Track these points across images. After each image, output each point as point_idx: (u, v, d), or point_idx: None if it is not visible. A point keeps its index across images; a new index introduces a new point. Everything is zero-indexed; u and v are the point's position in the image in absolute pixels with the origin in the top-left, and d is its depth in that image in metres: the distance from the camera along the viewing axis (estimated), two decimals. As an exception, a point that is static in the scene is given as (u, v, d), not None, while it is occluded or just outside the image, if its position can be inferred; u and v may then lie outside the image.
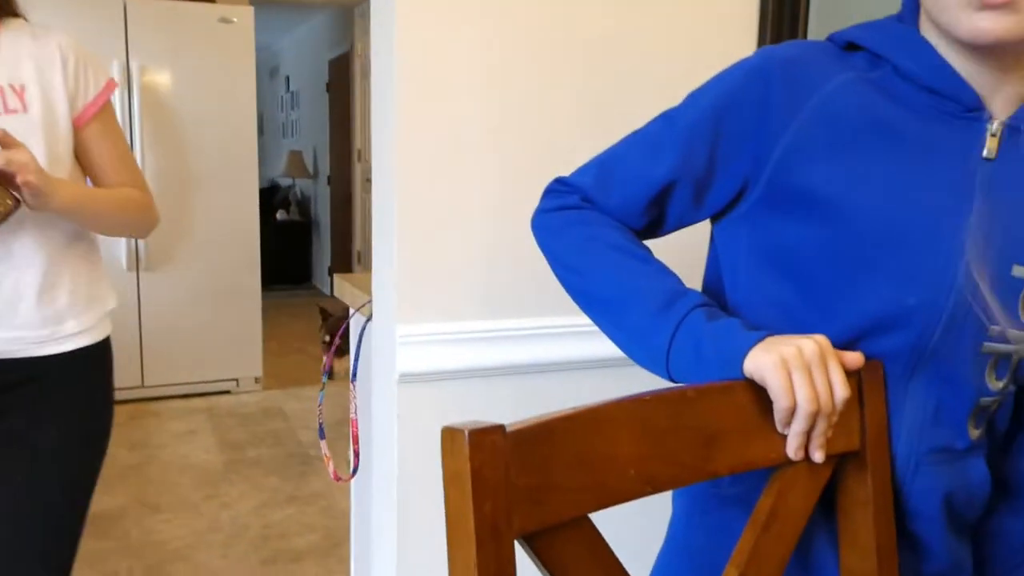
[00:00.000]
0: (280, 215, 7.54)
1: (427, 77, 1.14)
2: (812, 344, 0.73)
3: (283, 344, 5.29)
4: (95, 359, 1.37)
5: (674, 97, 0.88)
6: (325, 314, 3.38)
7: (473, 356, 1.19)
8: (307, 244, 7.70)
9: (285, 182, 7.98)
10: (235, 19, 4.00)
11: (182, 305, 4.07)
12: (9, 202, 1.15)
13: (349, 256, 6.83)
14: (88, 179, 1.35)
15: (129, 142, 3.84)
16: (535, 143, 1.21)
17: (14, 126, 1.16)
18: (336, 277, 1.73)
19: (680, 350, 0.77)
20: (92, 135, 1.30)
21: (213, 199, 4.07)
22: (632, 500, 0.69)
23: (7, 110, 1.19)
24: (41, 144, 1.20)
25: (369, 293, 1.53)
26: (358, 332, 1.50)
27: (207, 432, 3.66)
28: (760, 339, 0.74)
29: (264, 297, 4.33)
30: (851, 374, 0.76)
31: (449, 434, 0.58)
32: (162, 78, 3.91)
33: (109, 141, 1.32)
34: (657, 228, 0.88)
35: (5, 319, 1.22)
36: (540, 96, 1.20)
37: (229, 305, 4.17)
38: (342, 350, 2.74)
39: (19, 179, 1.10)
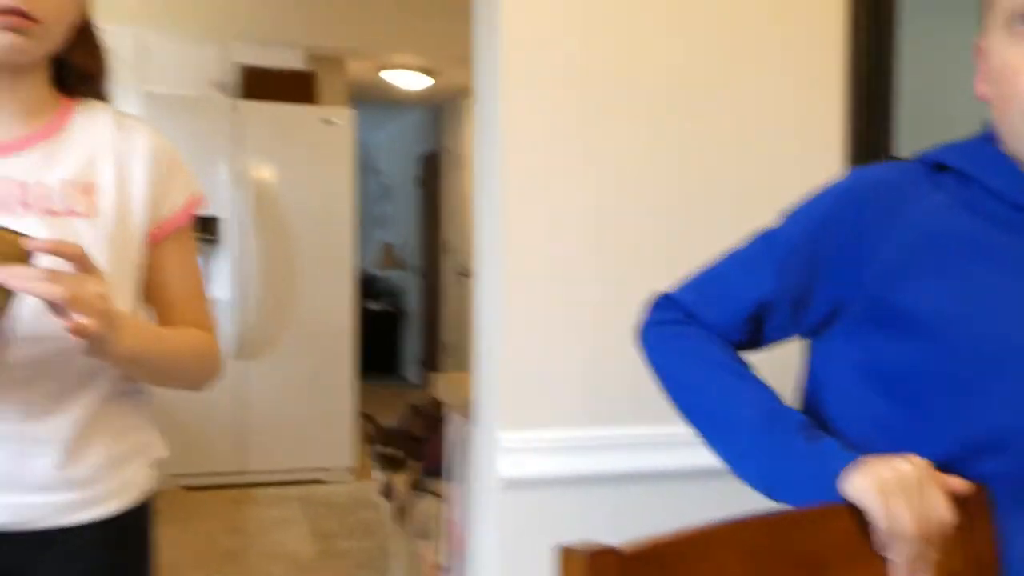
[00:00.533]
0: (372, 305, 7.77)
1: (529, 183, 1.20)
2: (910, 466, 0.73)
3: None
4: (133, 527, 1.02)
5: (771, 206, 0.92)
6: (416, 410, 3.34)
7: (575, 464, 1.21)
8: (397, 334, 7.88)
9: (377, 273, 8.24)
10: (337, 120, 4.25)
11: (281, 393, 4.22)
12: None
13: (437, 347, 6.95)
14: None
15: (239, 236, 4.09)
16: (637, 252, 1.25)
17: (78, 233, 0.92)
18: (435, 377, 1.79)
19: (780, 470, 0.79)
20: (166, 255, 1.04)
21: (312, 289, 4.25)
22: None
23: (71, 212, 0.93)
24: (107, 261, 0.93)
25: (467, 392, 1.58)
26: (458, 434, 1.55)
27: (301, 521, 3.73)
28: (858, 461, 0.75)
29: (356, 385, 4.45)
30: (957, 499, 0.76)
31: (566, 554, 0.61)
32: (268, 175, 4.16)
33: (185, 266, 1.07)
34: (756, 343, 0.91)
35: (15, 479, 0.91)
36: (644, 205, 1.25)
37: (324, 394, 4.30)
38: (395, 461, 2.80)
39: (75, 320, 0.79)
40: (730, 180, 1.29)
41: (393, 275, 8.16)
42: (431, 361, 7.08)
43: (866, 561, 0.75)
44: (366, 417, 3.17)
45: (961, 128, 1.39)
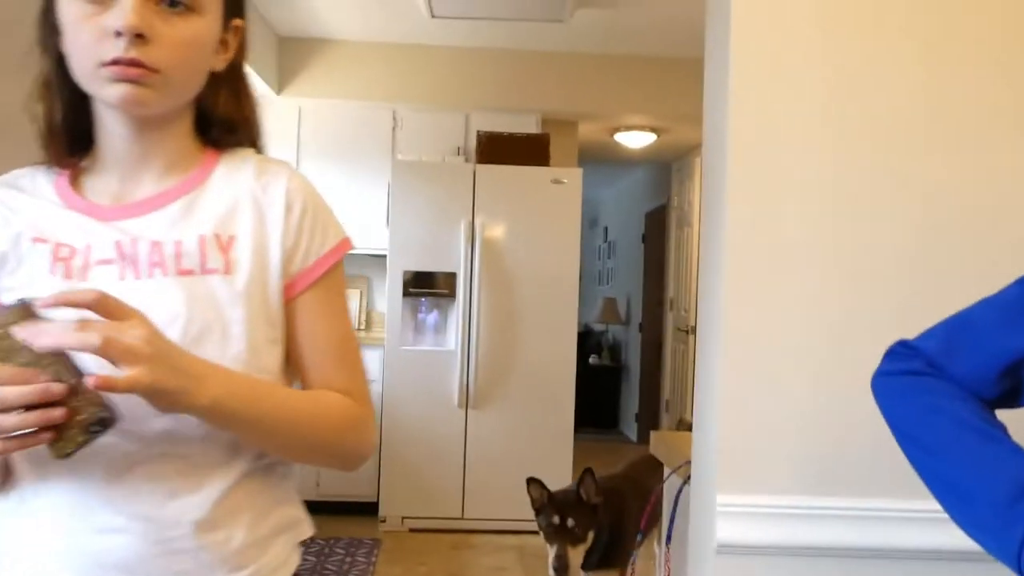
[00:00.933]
0: (592, 359, 7.84)
1: (755, 240, 1.19)
2: None
3: (590, 487, 5.38)
4: None
5: (1013, 259, 0.84)
6: (590, 474, 2.68)
7: (795, 533, 1.16)
8: (616, 389, 7.88)
9: (598, 327, 8.32)
10: (565, 180, 4.40)
11: (503, 442, 4.36)
12: (94, 409, 0.73)
13: (657, 403, 6.86)
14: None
15: (469, 290, 4.33)
16: (860, 306, 1.20)
17: (213, 292, 0.86)
18: (653, 435, 1.79)
19: None
20: (306, 309, 0.92)
21: (536, 342, 4.38)
22: None
23: (207, 270, 0.86)
24: (242, 321, 0.85)
25: (685, 453, 1.56)
26: (674, 494, 1.53)
27: (515, 569, 3.80)
28: None
29: (574, 439, 4.50)
30: None
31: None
32: (499, 232, 4.37)
33: (326, 320, 0.93)
34: (1013, 399, 0.83)
35: (151, 564, 0.82)
36: (867, 257, 1.20)
37: (544, 445, 4.39)
38: (568, 532, 2.47)
39: (124, 376, 0.71)
40: (977, 232, 1.20)
41: (615, 330, 8.20)
42: (649, 417, 7.00)
43: None
44: (531, 481, 2.69)
45: None
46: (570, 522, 2.52)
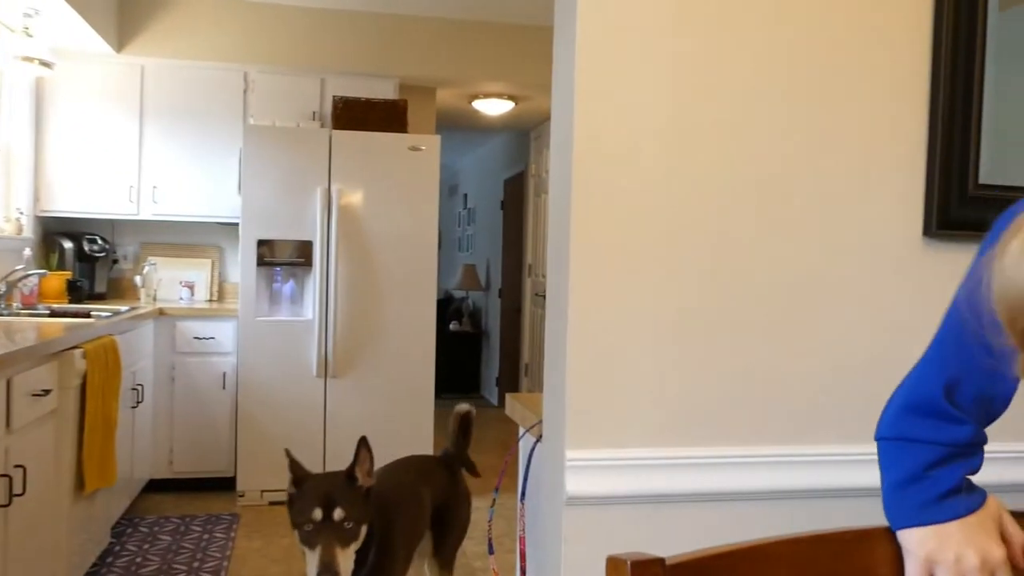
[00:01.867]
0: (453, 326, 7.90)
1: (600, 206, 1.25)
2: (976, 560, 0.74)
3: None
4: None
5: (856, 217, 0.93)
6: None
7: (641, 483, 1.24)
8: (477, 354, 7.98)
9: (459, 294, 8.38)
10: (423, 147, 4.39)
11: (361, 410, 4.35)
12: None
13: (517, 368, 7.01)
14: None
15: (327, 259, 4.26)
16: (704, 268, 1.28)
17: None
18: (508, 397, 1.85)
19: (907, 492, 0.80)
20: None
21: (395, 310, 4.38)
22: (789, 638, 0.72)
23: None
24: None
25: (539, 413, 1.62)
26: (528, 452, 1.59)
27: (379, 535, 3.82)
28: (957, 517, 0.76)
29: (435, 405, 4.54)
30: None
31: (613, 563, 0.65)
32: (356, 199, 4.32)
33: None
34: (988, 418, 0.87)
35: None
36: (712, 219, 1.28)
37: (405, 412, 4.41)
38: (343, 530, 1.82)
39: None
40: (813, 199, 1.31)
41: (475, 296, 8.28)
42: (509, 382, 7.15)
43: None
44: (289, 456, 2.11)
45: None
46: (338, 513, 1.88)
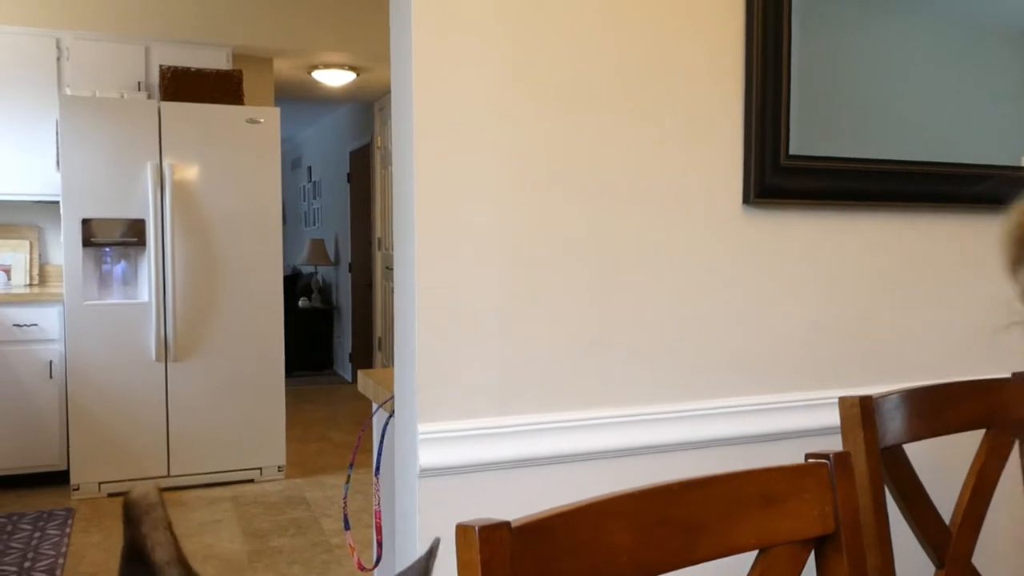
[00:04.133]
0: (302, 302, 7.72)
1: (441, 174, 1.26)
2: None
3: (305, 432, 5.38)
4: None
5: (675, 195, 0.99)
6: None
7: (490, 451, 1.28)
8: (329, 330, 7.85)
9: (307, 270, 8.18)
10: (262, 119, 4.23)
11: (207, 394, 4.19)
12: None
13: (370, 342, 6.96)
14: None
15: (162, 238, 4.05)
16: (548, 240, 1.32)
17: None
18: (360, 374, 1.84)
19: None
20: None
21: (239, 289, 4.23)
22: (628, 585, 0.78)
23: None
24: None
25: (391, 389, 1.63)
26: (381, 426, 1.60)
27: (232, 521, 3.72)
28: None
29: (286, 384, 4.45)
30: (820, 458, 0.86)
31: (462, 530, 0.68)
32: (192, 175, 4.12)
33: None
34: None
35: None
36: (557, 196, 1.32)
37: (254, 393, 4.29)
38: None
39: None
40: (642, 172, 1.37)
41: (325, 271, 8.12)
42: (363, 357, 7.09)
43: (744, 523, 0.83)
44: None
45: (848, 121, 1.50)
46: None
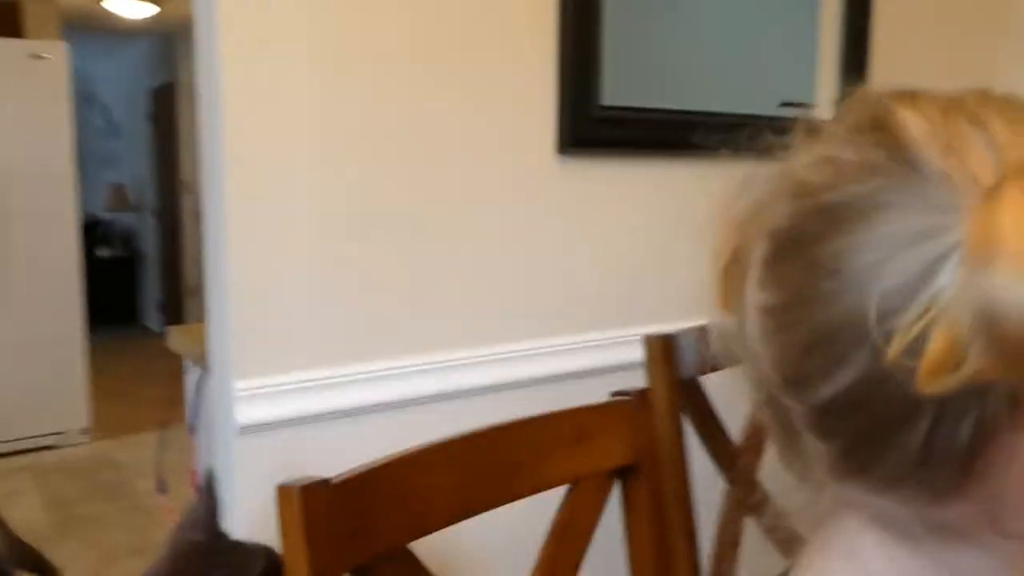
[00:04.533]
0: (102, 252, 7.18)
1: (254, 114, 1.21)
2: None
3: (112, 389, 5.06)
4: None
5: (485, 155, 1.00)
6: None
7: (308, 404, 1.27)
8: (132, 281, 7.37)
9: (106, 217, 7.60)
10: (48, 55, 3.85)
11: (-3, 356, 3.84)
12: None
13: (180, 291, 6.60)
14: None
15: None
16: (366, 187, 1.31)
17: None
18: (171, 331, 1.76)
19: None
20: None
21: (29, 242, 3.87)
22: (452, 525, 0.81)
23: None
24: None
25: (204, 345, 1.57)
26: (195, 383, 1.54)
27: (31, 492, 3.47)
28: None
29: (90, 341, 4.15)
30: (624, 395, 0.92)
31: (282, 491, 0.68)
32: (-35, 116, 3.70)
33: None
34: None
35: None
36: (370, 140, 1.30)
37: (50, 352, 3.97)
38: None
39: None
40: (460, 125, 1.38)
41: (125, 218, 7.57)
42: (173, 307, 6.73)
43: (554, 462, 0.89)
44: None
45: (658, 72, 1.57)
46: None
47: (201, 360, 1.52)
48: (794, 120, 0.47)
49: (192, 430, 1.57)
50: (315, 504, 0.68)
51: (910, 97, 0.43)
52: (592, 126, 1.51)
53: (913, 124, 0.40)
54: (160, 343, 6.51)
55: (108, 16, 5.37)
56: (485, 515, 0.99)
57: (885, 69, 1.90)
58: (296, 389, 1.26)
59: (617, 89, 1.54)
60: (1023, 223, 0.35)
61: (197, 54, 1.30)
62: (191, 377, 1.62)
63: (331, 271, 1.29)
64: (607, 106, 1.53)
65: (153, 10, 5.16)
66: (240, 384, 1.23)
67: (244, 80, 1.20)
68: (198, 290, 6.27)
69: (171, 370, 5.49)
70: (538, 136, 1.47)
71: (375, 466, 0.74)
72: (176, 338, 1.72)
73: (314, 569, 0.67)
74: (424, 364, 1.38)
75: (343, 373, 1.31)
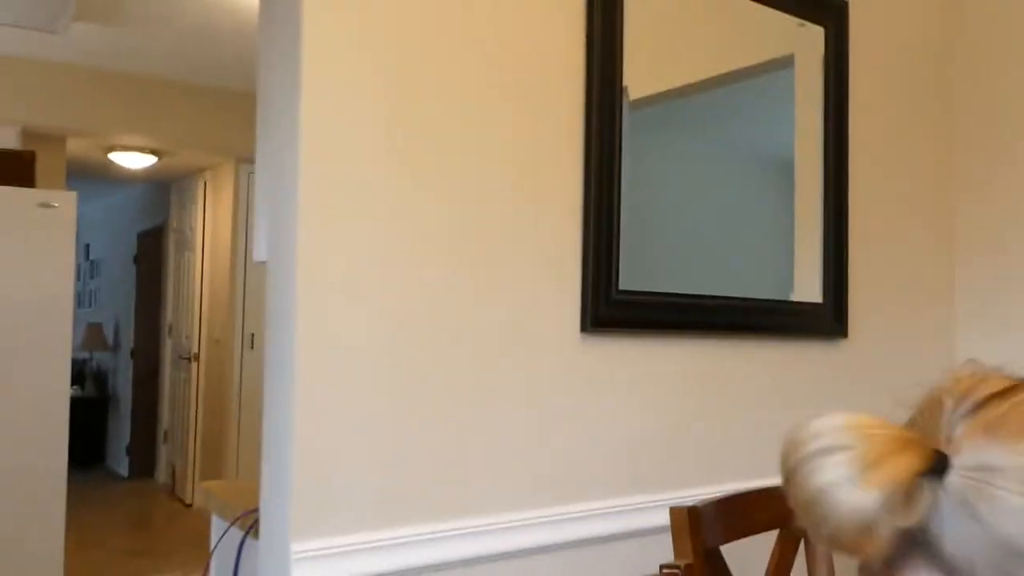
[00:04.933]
0: (74, 391, 7.11)
1: (326, 256, 1.34)
2: None
3: (82, 537, 4.92)
4: None
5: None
6: None
7: (368, 565, 1.34)
8: (102, 422, 7.27)
9: (81, 355, 7.57)
10: (57, 204, 4.00)
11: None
12: None
13: (154, 434, 6.52)
14: None
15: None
16: (422, 361, 1.43)
17: None
18: (201, 487, 1.82)
19: None
20: None
21: (20, 382, 3.89)
22: None
23: None
24: None
25: (242, 503, 1.63)
26: (236, 547, 1.60)
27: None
28: None
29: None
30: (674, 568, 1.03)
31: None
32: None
33: None
34: None
35: None
36: (420, 323, 1.44)
37: (32, 492, 3.90)
38: None
39: None
40: (498, 309, 1.53)
41: (101, 357, 7.55)
42: (144, 449, 6.62)
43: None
44: None
45: (665, 261, 1.75)
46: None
47: (241, 521, 1.58)
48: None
49: (227, 591, 1.61)
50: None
51: None
52: (611, 308, 1.68)
53: None
54: (126, 487, 6.32)
55: (109, 164, 5.60)
56: None
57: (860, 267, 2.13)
58: (354, 551, 1.33)
59: (632, 276, 1.72)
60: None
61: (261, 195, 1.45)
62: (225, 537, 1.68)
63: (392, 436, 1.39)
64: (624, 290, 1.70)
65: (154, 161, 5.40)
66: (297, 547, 1.31)
67: (317, 238, 1.35)
68: (174, 434, 6.20)
69: (139, 517, 5.33)
70: (566, 317, 1.63)
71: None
72: (208, 496, 1.78)
73: None
74: (459, 529, 1.46)
75: (398, 535, 1.38)
